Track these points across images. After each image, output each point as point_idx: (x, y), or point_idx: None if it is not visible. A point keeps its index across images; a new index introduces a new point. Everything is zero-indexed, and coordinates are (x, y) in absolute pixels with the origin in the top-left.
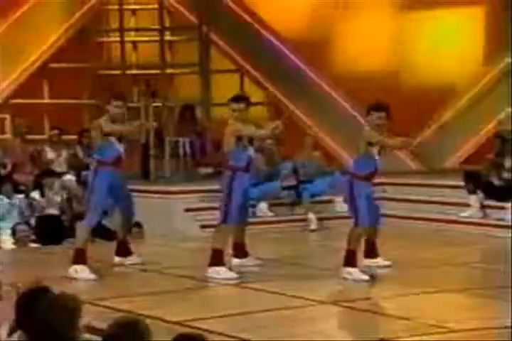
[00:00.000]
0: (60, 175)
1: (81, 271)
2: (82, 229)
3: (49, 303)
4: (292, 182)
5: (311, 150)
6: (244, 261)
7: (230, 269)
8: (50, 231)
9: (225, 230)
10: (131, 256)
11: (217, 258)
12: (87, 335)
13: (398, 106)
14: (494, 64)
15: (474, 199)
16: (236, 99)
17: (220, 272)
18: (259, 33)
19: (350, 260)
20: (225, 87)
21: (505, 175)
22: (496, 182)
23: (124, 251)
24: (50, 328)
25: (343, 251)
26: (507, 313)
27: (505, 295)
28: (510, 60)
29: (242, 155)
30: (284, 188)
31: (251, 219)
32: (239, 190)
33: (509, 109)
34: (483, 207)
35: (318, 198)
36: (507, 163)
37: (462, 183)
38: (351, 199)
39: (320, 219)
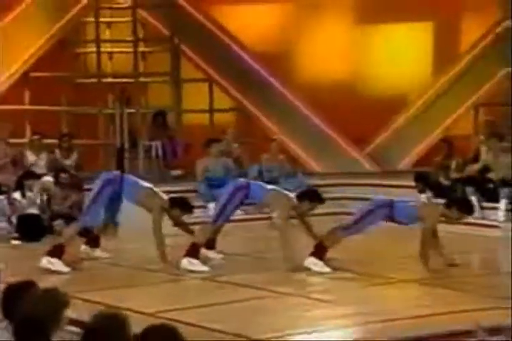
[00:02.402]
0: (40, 176)
1: (56, 264)
2: (73, 227)
3: (33, 297)
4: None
5: (277, 155)
6: (208, 252)
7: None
8: (30, 229)
9: (210, 228)
10: (98, 249)
11: (193, 251)
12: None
13: (357, 112)
14: (442, 74)
15: (424, 198)
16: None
17: (193, 263)
18: (227, 45)
19: (319, 252)
20: (195, 95)
21: (452, 175)
22: (444, 182)
23: (93, 242)
24: (33, 320)
25: (311, 246)
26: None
27: (461, 286)
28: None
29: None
30: None
31: None
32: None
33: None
34: None
35: None
36: (453, 165)
37: (413, 183)
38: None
39: None
